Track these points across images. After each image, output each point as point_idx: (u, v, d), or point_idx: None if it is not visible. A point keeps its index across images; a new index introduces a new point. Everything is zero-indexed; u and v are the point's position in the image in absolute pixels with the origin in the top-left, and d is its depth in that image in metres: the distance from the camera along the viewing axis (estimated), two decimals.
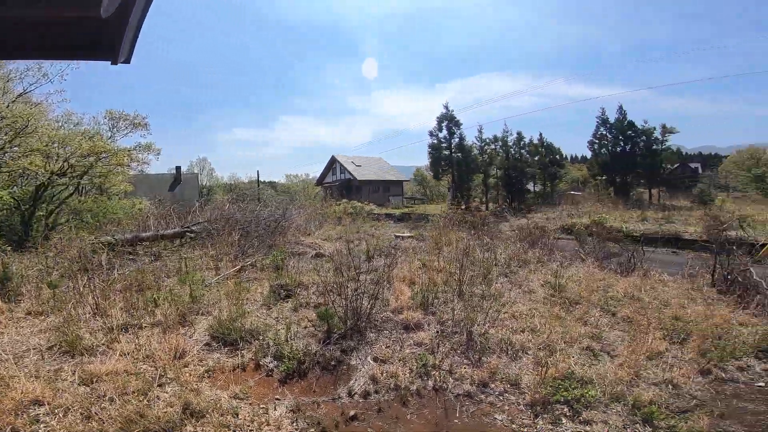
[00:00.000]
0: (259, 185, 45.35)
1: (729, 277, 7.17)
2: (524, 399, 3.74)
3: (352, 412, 3.44)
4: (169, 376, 3.70)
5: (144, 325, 4.78)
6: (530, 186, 34.61)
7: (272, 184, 56.78)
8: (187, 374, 3.77)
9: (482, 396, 3.81)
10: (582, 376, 4.04)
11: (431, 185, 49.19)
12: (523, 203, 29.46)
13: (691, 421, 3.47)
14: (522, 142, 33.04)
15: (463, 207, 23.37)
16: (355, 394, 3.75)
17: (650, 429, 3.42)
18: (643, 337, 5.08)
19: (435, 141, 32.08)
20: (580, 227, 10.40)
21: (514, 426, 3.42)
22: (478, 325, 5.02)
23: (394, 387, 3.82)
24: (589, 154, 33.26)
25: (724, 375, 4.55)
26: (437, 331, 4.95)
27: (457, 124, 31.65)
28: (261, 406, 3.47)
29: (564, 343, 4.81)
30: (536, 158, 33.00)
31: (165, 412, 3.14)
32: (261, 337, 4.49)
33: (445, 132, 31.70)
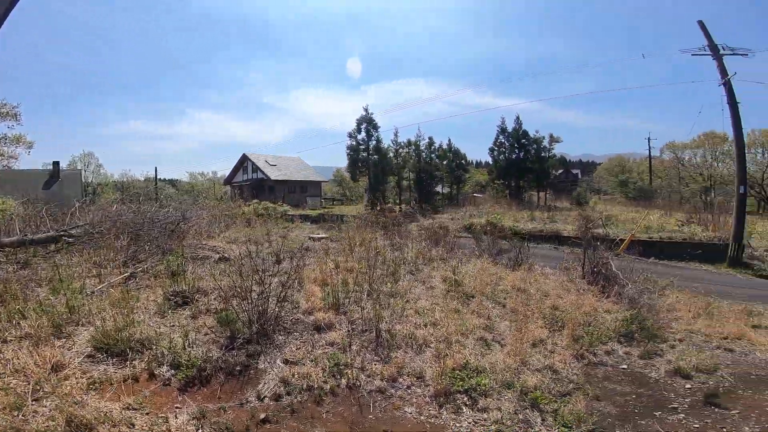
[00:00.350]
0: (156, 183, 41.03)
1: (594, 269, 8.47)
2: (429, 391, 3.97)
3: (262, 415, 3.37)
4: (45, 389, 3.27)
5: (9, 338, 4.09)
6: (439, 188, 36.91)
7: (173, 183, 51.80)
8: (68, 387, 3.37)
9: (392, 391, 3.97)
10: (476, 365, 4.38)
11: (350, 186, 49.49)
12: (432, 204, 31.27)
13: (571, 404, 3.89)
14: (433, 147, 35.16)
15: (378, 208, 24.01)
16: (265, 397, 3.68)
17: (537, 413, 3.78)
18: (527, 327, 5.66)
19: (353, 142, 32.46)
20: (477, 227, 11.42)
21: (422, 418, 3.62)
22: (385, 322, 5.23)
23: (307, 388, 3.82)
24: (490, 160, 36.51)
25: (594, 359, 5.18)
26: (348, 330, 5.02)
27: (375, 127, 32.40)
28: (160, 415, 3.24)
29: (461, 335, 5.16)
30: (444, 162, 35.34)
31: (46, 426, 2.80)
32: (154, 346, 4.14)
33: (363, 134, 32.25)
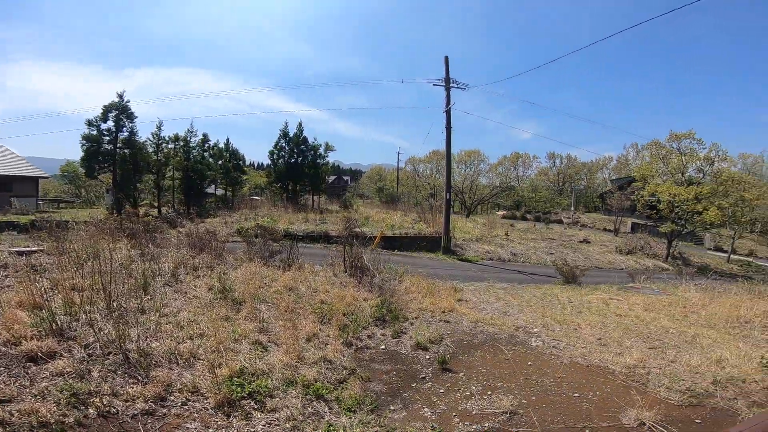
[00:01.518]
0: None
1: (353, 264, 9.74)
2: (209, 403, 3.74)
3: None
4: None
5: None
6: (212, 190, 34.13)
7: None
8: None
9: (164, 410, 3.59)
10: (255, 369, 4.34)
11: (87, 185, 39.03)
12: (203, 207, 28.60)
13: (348, 389, 4.27)
14: (207, 145, 32.08)
15: (127, 211, 19.96)
16: None
17: (323, 403, 4.01)
18: (300, 323, 5.96)
19: (95, 132, 25.66)
20: (248, 230, 11.24)
21: (210, 430, 3.40)
22: (135, 342, 4.53)
23: (38, 424, 3.06)
24: (270, 163, 36.39)
25: (360, 344, 5.75)
26: (83, 356, 4.19)
27: (131, 117, 26.60)
28: None
29: (233, 342, 5.01)
30: (220, 162, 32.95)
31: None
32: None
33: (111, 123, 25.94)
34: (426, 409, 4.29)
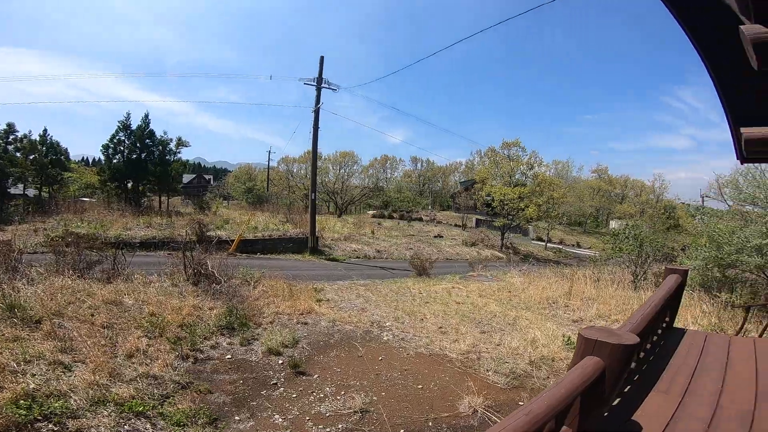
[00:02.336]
0: None
1: (197, 270, 8.74)
2: None
3: None
4: None
5: None
6: (20, 190, 26.99)
7: None
8: None
9: None
10: (52, 390, 3.85)
11: None
12: (5, 212, 22.36)
13: (174, 404, 3.93)
14: (13, 137, 25.25)
15: None
16: None
17: (144, 419, 3.66)
18: (122, 340, 5.22)
19: None
20: (57, 238, 9.14)
21: None
22: None
23: None
24: (103, 158, 30.52)
25: (201, 356, 5.28)
26: None
27: None
28: None
29: (24, 363, 4.25)
30: (33, 157, 26.33)
31: None
32: None
33: None
34: (277, 416, 4.13)
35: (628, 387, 2.62)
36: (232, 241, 14.70)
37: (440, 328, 7.54)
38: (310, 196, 17.73)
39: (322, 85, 18.42)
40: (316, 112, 18.40)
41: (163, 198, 30.67)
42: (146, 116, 29.83)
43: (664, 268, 4.27)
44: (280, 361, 5.45)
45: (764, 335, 4.76)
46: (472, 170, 58.15)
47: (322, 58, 18.65)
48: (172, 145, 30.63)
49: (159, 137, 30.05)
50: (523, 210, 23.65)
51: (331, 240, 19.87)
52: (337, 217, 33.51)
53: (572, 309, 9.30)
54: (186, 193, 44.97)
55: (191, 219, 15.76)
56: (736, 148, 5.26)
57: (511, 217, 25.51)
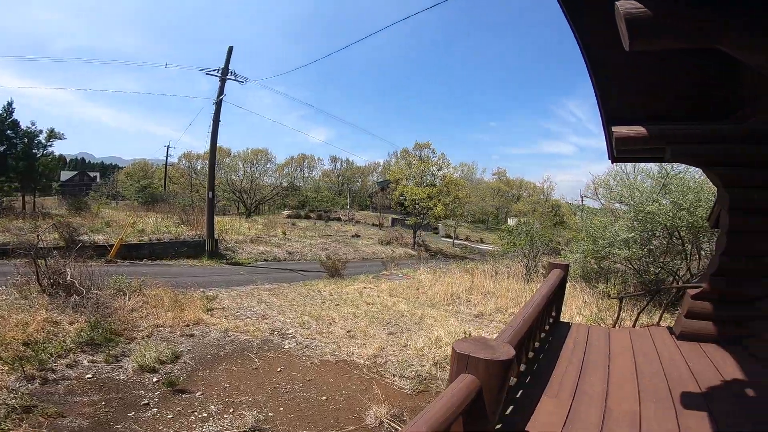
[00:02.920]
0: None
1: (53, 281, 7.19)
2: None
3: None
4: None
5: None
6: None
7: None
8: None
9: None
10: None
11: None
12: None
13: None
14: None
15: None
16: None
17: None
18: None
19: None
20: None
21: None
22: None
23: None
24: None
25: (53, 376, 4.48)
26: None
27: None
28: None
29: None
30: None
31: None
32: None
33: None
34: None
35: (521, 392, 2.53)
36: (111, 246, 12.61)
37: (349, 331, 7.19)
38: (207, 194, 16.07)
39: (228, 76, 16.98)
40: (218, 104, 16.84)
41: (31, 198, 25.67)
42: (9, 104, 24.49)
43: (548, 262, 4.46)
44: (155, 379, 4.72)
45: (637, 325, 5.29)
46: (389, 170, 59.47)
47: (230, 48, 17.23)
48: (42, 138, 25.70)
49: (25, 129, 24.99)
50: (432, 209, 24.62)
51: (236, 243, 18.35)
52: (245, 217, 31.36)
53: (474, 304, 9.66)
54: (65, 193, 38.31)
55: (58, 221, 13.13)
56: (608, 149, 5.79)
57: (422, 216, 26.40)
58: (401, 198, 26.89)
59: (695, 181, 7.83)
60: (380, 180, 60.33)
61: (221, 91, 16.88)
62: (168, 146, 50.03)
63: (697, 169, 7.24)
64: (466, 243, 40.30)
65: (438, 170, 27.45)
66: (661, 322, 5.44)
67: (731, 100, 4.06)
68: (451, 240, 39.31)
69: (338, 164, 67.04)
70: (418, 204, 25.43)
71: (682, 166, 8.10)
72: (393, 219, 43.64)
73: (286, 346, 6.27)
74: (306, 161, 64.48)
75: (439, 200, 24.75)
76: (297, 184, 58.73)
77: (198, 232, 16.21)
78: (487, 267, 15.10)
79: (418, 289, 11.46)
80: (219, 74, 16.81)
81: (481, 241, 44.63)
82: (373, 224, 43.73)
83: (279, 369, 5.38)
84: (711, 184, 7.59)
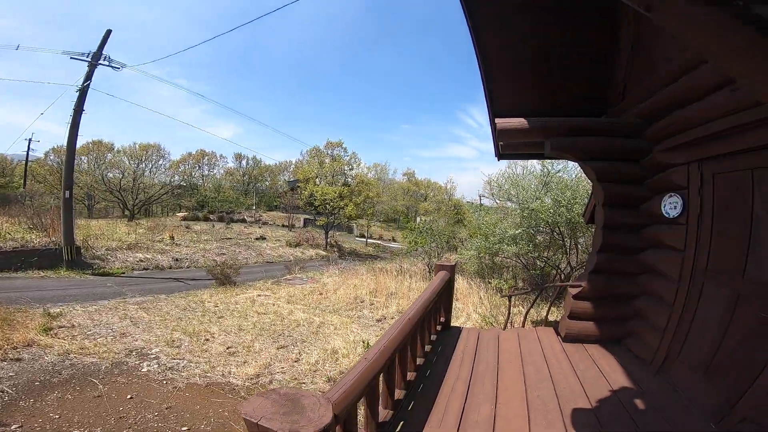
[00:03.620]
0: None
1: None
2: None
3: None
4: None
5: None
6: None
7: None
8: None
9: None
10: None
11: None
12: None
13: None
14: None
15: None
16: None
17: None
18: None
19: None
20: None
21: None
22: None
23: None
24: None
25: None
26: None
27: None
28: None
29: None
30: None
31: None
32: None
33: None
34: None
35: (402, 423, 2.07)
36: None
37: (229, 348, 6.27)
38: (62, 193, 13.28)
39: (101, 61, 14.33)
40: (82, 91, 14.08)
41: None
42: None
43: (436, 264, 4.20)
44: None
45: (526, 324, 5.31)
46: (301, 169, 57.46)
47: (108, 31, 14.62)
48: None
49: None
50: (343, 209, 24.08)
51: (107, 250, 15.62)
52: (128, 220, 27.36)
53: (377, 307, 9.32)
54: None
55: None
56: (495, 146, 5.83)
57: (333, 216, 25.68)
58: (311, 198, 25.82)
59: (572, 179, 8.49)
60: (291, 179, 58.04)
61: (88, 77, 14.22)
62: (30, 139, 41.67)
63: (577, 167, 7.86)
64: (379, 242, 40.66)
65: (350, 170, 26.99)
66: (549, 316, 5.59)
67: (610, 96, 4.20)
68: (365, 239, 39.30)
69: (244, 162, 62.78)
70: (329, 204, 24.65)
71: (561, 165, 8.75)
72: (305, 220, 42.13)
73: (144, 369, 5.28)
74: (206, 158, 59.10)
75: (351, 200, 24.30)
76: (196, 183, 53.60)
77: (55, 239, 13.31)
78: (393, 266, 15.05)
79: (321, 294, 10.78)
80: (88, 59, 14.16)
81: (393, 240, 45.51)
82: (284, 225, 41.66)
83: (130, 396, 4.48)
84: (587, 182, 8.36)
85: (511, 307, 6.06)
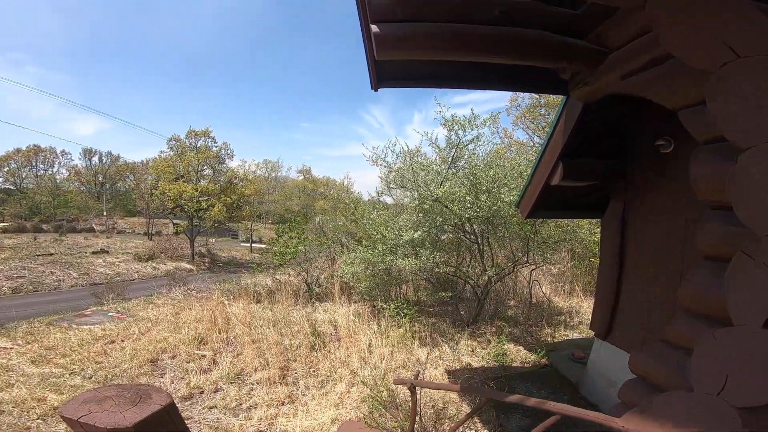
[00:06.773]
0: None
1: None
2: None
3: None
4: None
5: None
6: None
7: None
8: None
9: None
10: None
11: None
12: None
13: None
14: None
15: None
16: None
17: None
18: None
19: None
20: None
21: None
22: None
23: None
24: None
25: None
26: None
27: None
28: None
29: None
30: None
31: None
32: None
33: None
34: None
35: None
36: None
37: None
38: None
39: None
40: None
41: None
42: None
43: None
44: None
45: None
46: (153, 164, 48.68)
47: None
48: None
49: None
50: (208, 210, 19.26)
51: None
52: None
53: (191, 372, 5.47)
54: None
55: None
56: (370, 72, 2.94)
57: (198, 219, 20.55)
58: (162, 197, 20.18)
59: (489, 154, 6.06)
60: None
61: None
62: None
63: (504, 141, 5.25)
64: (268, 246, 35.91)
65: (219, 163, 22.01)
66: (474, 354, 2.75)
67: None
68: (254, 244, 34.22)
69: (97, 159, 51.15)
70: (186, 204, 19.50)
71: (474, 133, 6.15)
72: (175, 226, 35.22)
73: None
74: (41, 155, 46.43)
75: (219, 199, 19.55)
76: (25, 186, 41.75)
77: None
78: (266, 281, 11.46)
79: (113, 342, 6.66)
80: None
81: None
82: (145, 233, 34.15)
83: None
84: (523, 159, 5.95)
85: (417, 409, 3.08)
